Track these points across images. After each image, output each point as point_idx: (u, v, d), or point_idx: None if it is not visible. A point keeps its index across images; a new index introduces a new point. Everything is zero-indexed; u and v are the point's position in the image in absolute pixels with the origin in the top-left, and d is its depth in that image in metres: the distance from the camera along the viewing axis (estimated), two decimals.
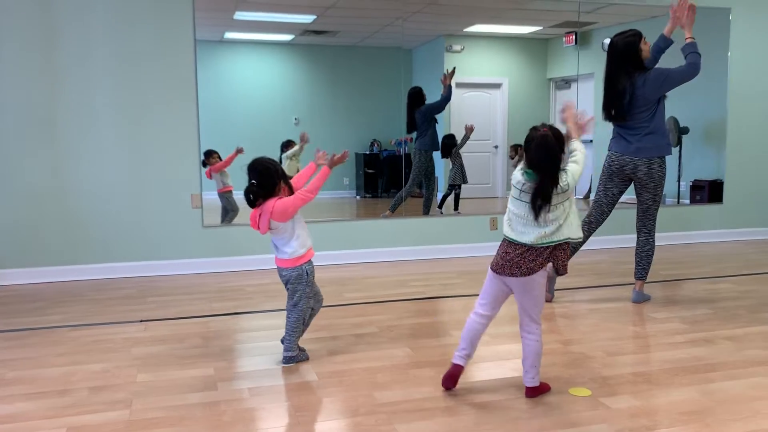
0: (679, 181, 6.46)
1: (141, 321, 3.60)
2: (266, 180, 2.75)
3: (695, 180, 6.47)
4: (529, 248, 2.37)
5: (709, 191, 6.37)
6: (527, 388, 2.49)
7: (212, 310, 3.80)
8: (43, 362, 2.93)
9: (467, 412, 2.35)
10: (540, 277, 2.41)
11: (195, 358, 2.96)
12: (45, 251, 4.62)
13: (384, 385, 2.61)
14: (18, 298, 4.17)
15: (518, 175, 2.41)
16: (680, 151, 6.44)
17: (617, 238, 5.67)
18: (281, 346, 2.96)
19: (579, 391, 2.53)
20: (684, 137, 6.43)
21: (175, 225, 4.85)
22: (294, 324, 2.86)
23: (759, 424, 2.25)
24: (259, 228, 2.80)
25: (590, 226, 3.92)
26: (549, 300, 3.89)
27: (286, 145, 5.73)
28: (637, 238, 3.96)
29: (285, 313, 2.90)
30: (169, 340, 3.24)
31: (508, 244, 2.43)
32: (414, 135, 5.96)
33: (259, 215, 2.77)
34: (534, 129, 2.40)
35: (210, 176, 5.12)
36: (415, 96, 5.92)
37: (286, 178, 2.83)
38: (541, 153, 2.33)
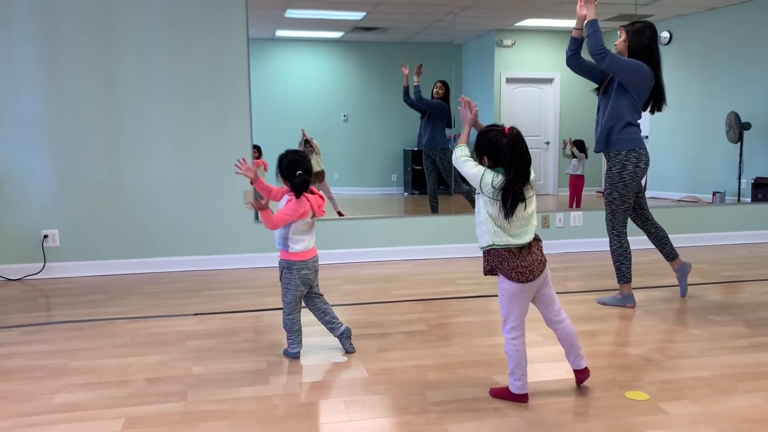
0: (740, 178, 6.22)
1: (195, 314, 3.68)
2: (309, 173, 2.81)
3: (757, 177, 6.21)
4: (534, 242, 2.33)
5: None
6: (577, 372, 2.49)
7: (264, 305, 3.85)
8: (103, 353, 3.03)
9: (520, 414, 2.31)
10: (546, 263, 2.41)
11: (247, 352, 3.00)
12: (105, 245, 4.78)
13: (435, 383, 2.60)
14: (79, 290, 4.31)
15: (499, 178, 2.28)
16: (741, 147, 6.20)
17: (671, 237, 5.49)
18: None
19: (636, 395, 2.46)
20: (746, 133, 6.18)
21: (228, 220, 4.94)
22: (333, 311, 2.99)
23: None
24: (323, 212, 2.88)
25: (627, 234, 3.72)
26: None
27: (306, 143, 5.73)
28: (647, 229, 3.81)
29: (329, 307, 2.97)
30: (222, 334, 3.29)
31: (517, 252, 2.29)
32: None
33: (317, 198, 2.84)
34: (494, 130, 2.30)
35: None
36: None
37: None
38: (516, 149, 2.24)
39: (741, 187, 6.26)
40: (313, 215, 2.84)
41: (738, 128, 6.18)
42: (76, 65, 4.63)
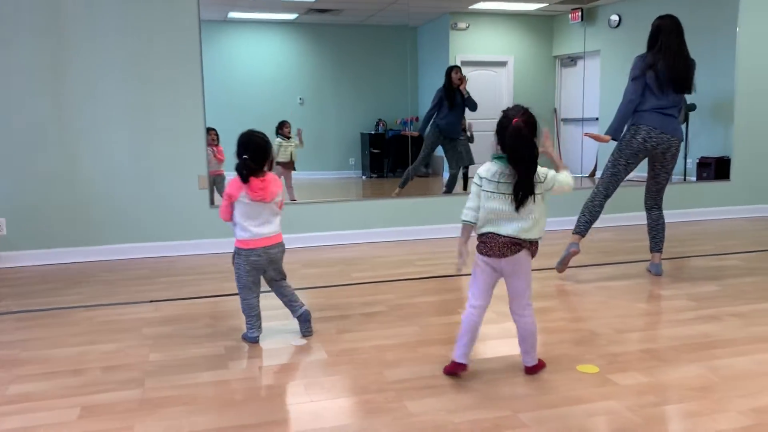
0: (686, 158, 6.43)
1: (152, 301, 3.64)
2: (262, 154, 2.76)
3: (702, 157, 6.44)
4: (512, 237, 2.37)
5: (715, 168, 6.35)
6: (527, 367, 2.51)
7: (222, 290, 3.83)
8: (57, 342, 2.97)
9: (475, 389, 2.37)
10: (528, 257, 2.42)
11: (205, 338, 2.99)
12: (56, 233, 4.66)
13: (393, 362, 2.64)
14: (31, 280, 4.21)
15: (493, 167, 2.37)
16: (687, 128, 6.41)
17: (621, 216, 5.67)
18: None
19: (587, 368, 2.55)
20: (691, 114, 6.39)
21: (183, 206, 4.87)
22: (292, 289, 2.95)
23: (764, 399, 2.27)
24: (267, 195, 2.76)
25: (606, 200, 3.97)
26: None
27: (281, 125, 5.71)
28: (650, 213, 4.03)
29: (286, 289, 2.95)
30: (180, 320, 3.27)
31: (490, 234, 2.38)
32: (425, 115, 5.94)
33: (269, 182, 2.77)
34: (506, 116, 2.32)
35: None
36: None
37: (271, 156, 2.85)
38: (516, 145, 2.28)
39: (687, 166, 6.48)
40: (252, 199, 2.74)
41: (684, 109, 6.37)
42: (22, 48, 4.46)
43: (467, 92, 5.83)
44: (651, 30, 3.84)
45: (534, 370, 2.51)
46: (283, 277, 2.95)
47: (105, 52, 4.62)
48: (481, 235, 2.43)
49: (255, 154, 2.74)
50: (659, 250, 4.03)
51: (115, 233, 4.77)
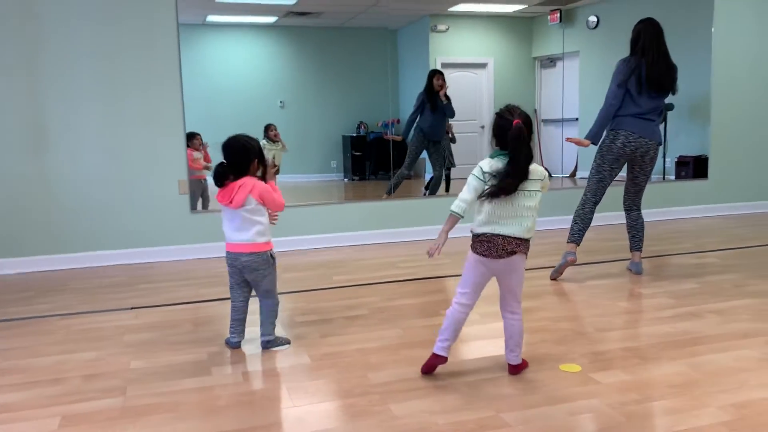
0: (664, 157, 6.51)
1: (132, 308, 3.59)
2: (239, 159, 2.71)
3: (680, 156, 6.52)
4: (514, 237, 2.38)
5: (694, 167, 6.44)
6: (511, 365, 2.52)
7: (202, 296, 3.79)
8: (35, 351, 2.93)
9: (459, 390, 2.38)
10: (523, 258, 2.44)
11: (187, 344, 2.96)
12: (31, 241, 4.59)
13: (377, 365, 2.63)
14: (6, 288, 4.14)
15: (497, 163, 2.38)
16: (665, 128, 6.48)
17: (601, 216, 5.70)
18: (276, 330, 2.98)
19: (569, 367, 2.57)
20: (669, 114, 6.47)
21: (163, 211, 4.82)
22: (269, 310, 2.85)
23: (744, 395, 2.29)
24: (231, 202, 2.69)
25: (596, 206, 4.01)
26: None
27: (267, 128, 5.69)
28: (628, 213, 4.08)
29: (260, 307, 2.88)
30: (161, 327, 3.24)
31: (492, 235, 2.40)
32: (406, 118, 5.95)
33: (238, 188, 2.69)
34: (503, 117, 2.36)
35: (188, 158, 5.06)
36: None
37: (261, 157, 2.77)
38: (519, 146, 2.32)
39: (666, 165, 6.56)
40: (226, 204, 2.72)
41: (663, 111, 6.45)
42: None
43: (447, 99, 5.84)
44: (632, 34, 3.89)
45: (517, 369, 2.52)
46: (264, 295, 2.84)
47: (81, 55, 4.56)
48: (479, 235, 2.43)
49: (229, 159, 2.72)
50: (639, 249, 4.07)
51: (93, 240, 4.71)
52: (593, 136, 3.89)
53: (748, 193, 6.50)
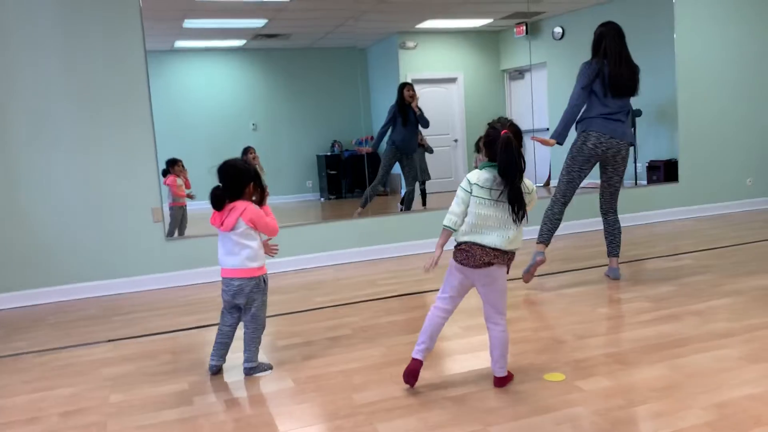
0: (635, 162, 6.61)
1: (108, 341, 3.52)
2: (233, 183, 2.72)
3: (651, 161, 6.63)
4: (493, 248, 2.40)
5: (664, 171, 6.54)
6: (496, 378, 2.52)
7: (180, 325, 3.74)
8: (10, 391, 2.85)
9: (445, 406, 2.36)
10: (503, 269, 2.45)
11: (167, 375, 2.91)
12: (2, 277, 4.48)
13: (361, 386, 2.61)
14: None
15: (484, 174, 2.42)
16: (634, 133, 6.59)
17: (577, 223, 5.78)
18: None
19: (553, 377, 2.57)
20: (638, 119, 6.59)
21: (137, 240, 4.75)
22: (253, 335, 2.81)
23: (727, 394, 2.32)
24: (222, 224, 2.71)
25: (565, 207, 4.04)
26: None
27: (246, 151, 5.67)
28: (606, 218, 4.11)
29: (245, 332, 2.84)
30: (139, 358, 3.18)
31: (471, 244, 2.42)
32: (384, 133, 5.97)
33: (229, 210, 2.70)
34: (493, 128, 2.41)
35: (172, 184, 5.03)
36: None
37: (258, 179, 2.78)
38: (508, 156, 2.34)
39: (637, 170, 6.66)
40: (218, 227, 2.74)
41: (630, 115, 6.56)
42: None
43: (420, 110, 5.88)
44: (594, 37, 3.96)
45: (503, 382, 2.51)
46: (251, 320, 2.80)
47: (49, 86, 4.51)
48: (460, 244, 2.45)
49: (224, 183, 2.72)
50: (616, 255, 4.11)
51: (67, 273, 4.61)
52: (558, 136, 3.93)
53: (719, 194, 6.61)
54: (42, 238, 4.55)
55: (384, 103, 6.05)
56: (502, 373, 2.51)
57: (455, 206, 2.46)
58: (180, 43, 5.83)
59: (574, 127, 3.98)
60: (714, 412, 2.18)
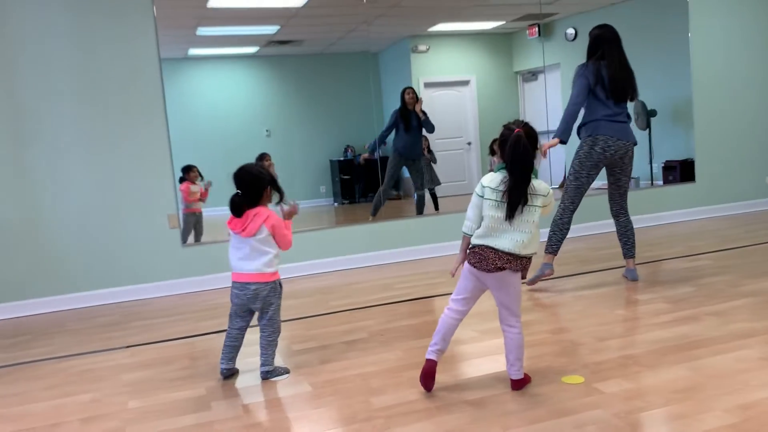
0: (651, 163, 6.56)
1: (127, 347, 3.55)
2: (251, 188, 2.73)
3: (667, 161, 6.57)
4: (506, 253, 2.39)
5: (681, 171, 6.48)
6: (513, 380, 2.50)
7: (197, 330, 3.76)
8: (31, 397, 2.88)
9: (463, 410, 2.35)
10: (516, 275, 2.43)
11: (185, 380, 2.92)
12: (22, 285, 4.54)
13: (379, 389, 2.61)
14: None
15: (498, 176, 2.41)
16: (650, 133, 6.54)
17: (591, 225, 5.74)
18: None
19: (572, 379, 2.55)
20: (653, 119, 6.54)
21: (154, 247, 4.79)
22: (270, 338, 2.82)
23: (748, 396, 2.28)
24: (244, 230, 2.73)
25: (573, 213, 4.01)
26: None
27: (261, 158, 5.70)
28: (617, 220, 4.07)
29: (262, 338, 2.86)
30: (157, 364, 3.19)
31: (485, 247, 2.41)
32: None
33: (253, 216, 2.71)
34: (507, 128, 2.41)
35: (185, 191, 5.07)
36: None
37: (275, 183, 2.80)
38: (515, 152, 2.33)
39: (653, 171, 6.60)
40: (238, 232, 2.75)
41: (645, 116, 6.52)
42: None
43: (424, 113, 5.86)
44: (590, 39, 3.94)
45: (520, 385, 2.50)
46: (267, 323, 2.81)
47: (63, 95, 4.56)
48: (474, 246, 2.44)
49: (242, 189, 2.74)
50: (632, 256, 4.08)
51: (85, 280, 4.66)
52: (561, 134, 3.87)
53: (736, 194, 6.54)
54: (60, 245, 4.60)
55: (396, 107, 6.05)
56: (518, 376, 2.50)
57: (469, 211, 2.48)
58: (194, 51, 5.88)
59: (576, 130, 3.96)
60: (737, 414, 2.15)
